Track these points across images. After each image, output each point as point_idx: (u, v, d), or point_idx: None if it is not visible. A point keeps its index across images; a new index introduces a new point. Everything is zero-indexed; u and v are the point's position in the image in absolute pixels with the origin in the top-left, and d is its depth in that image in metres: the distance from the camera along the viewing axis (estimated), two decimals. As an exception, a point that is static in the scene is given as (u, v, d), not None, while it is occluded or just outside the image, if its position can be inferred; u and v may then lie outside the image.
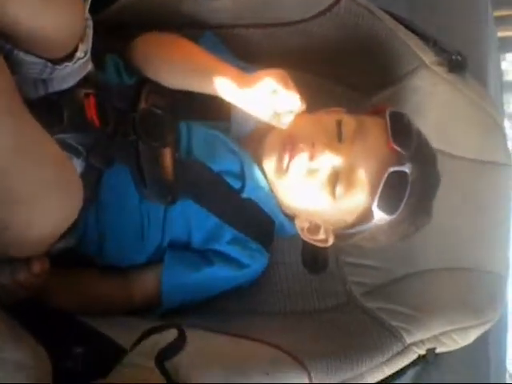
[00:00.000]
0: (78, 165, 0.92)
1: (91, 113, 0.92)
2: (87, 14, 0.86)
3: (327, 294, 1.14)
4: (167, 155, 0.98)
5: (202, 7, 1.09)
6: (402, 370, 1.04)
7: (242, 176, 1.02)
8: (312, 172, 0.99)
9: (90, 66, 0.93)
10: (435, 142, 1.07)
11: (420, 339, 1.06)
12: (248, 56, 1.11)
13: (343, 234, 1.04)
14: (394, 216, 0.97)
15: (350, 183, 0.98)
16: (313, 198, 1.00)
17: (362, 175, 0.97)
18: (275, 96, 0.92)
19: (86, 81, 0.93)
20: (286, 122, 0.96)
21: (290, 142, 0.98)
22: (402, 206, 0.97)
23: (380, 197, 0.96)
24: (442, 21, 1.33)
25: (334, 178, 0.98)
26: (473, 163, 1.16)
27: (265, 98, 0.92)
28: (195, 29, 1.10)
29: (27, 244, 0.81)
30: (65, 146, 0.89)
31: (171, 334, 0.85)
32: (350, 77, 1.19)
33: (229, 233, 1.04)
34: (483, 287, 1.13)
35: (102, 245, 0.98)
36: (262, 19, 1.13)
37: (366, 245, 1.07)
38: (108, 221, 0.97)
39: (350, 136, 0.99)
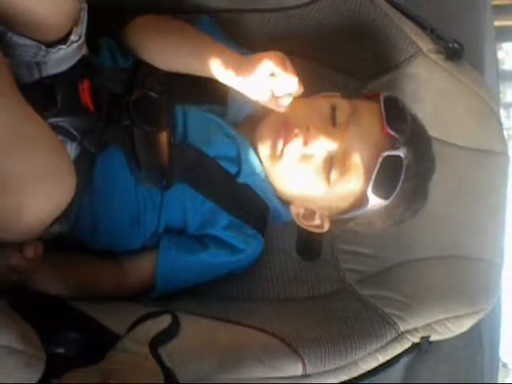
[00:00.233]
0: (72, 149, 0.92)
1: (85, 97, 0.92)
2: (82, -3, 0.86)
3: (321, 281, 1.14)
4: (162, 139, 0.97)
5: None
6: (395, 357, 1.04)
7: (238, 161, 1.02)
8: (306, 157, 0.98)
9: (84, 50, 0.92)
10: (431, 130, 1.06)
11: (414, 327, 1.06)
12: (244, 41, 1.10)
13: (339, 220, 1.04)
14: (388, 201, 0.97)
15: (344, 168, 0.98)
16: (307, 183, 1.00)
17: (357, 160, 0.97)
18: (273, 78, 0.92)
19: (80, 64, 0.92)
20: (283, 104, 0.95)
21: (284, 128, 0.98)
22: (397, 190, 0.97)
23: (375, 181, 0.96)
24: (439, 9, 1.32)
25: (329, 164, 0.98)
26: (468, 151, 1.15)
27: (263, 80, 0.92)
28: (191, 13, 1.09)
29: (19, 229, 0.81)
30: (59, 129, 0.89)
31: (165, 320, 0.85)
32: (347, 63, 1.18)
33: (224, 218, 1.04)
34: (478, 276, 1.13)
35: (95, 230, 0.98)
36: (259, 4, 1.13)
37: (361, 230, 1.07)
38: (102, 206, 0.96)
39: (345, 121, 0.98)
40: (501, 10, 2.07)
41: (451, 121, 1.16)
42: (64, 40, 0.85)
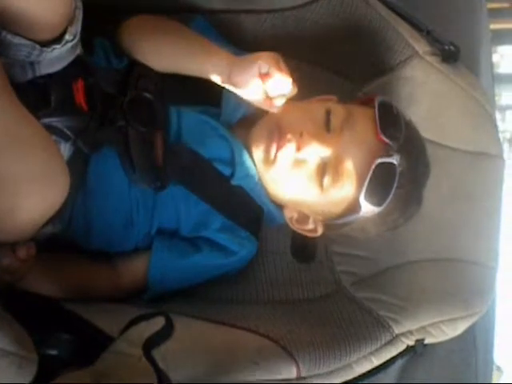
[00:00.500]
0: (66, 149, 0.91)
1: (79, 97, 0.92)
2: (77, -4, 0.85)
3: (316, 284, 1.14)
4: (157, 140, 0.97)
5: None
6: (390, 360, 1.04)
7: (232, 163, 1.02)
8: (299, 163, 0.98)
9: (78, 50, 0.92)
10: (426, 132, 1.06)
11: (408, 330, 1.06)
12: (239, 42, 1.10)
13: (332, 225, 1.04)
14: (381, 208, 0.97)
15: (337, 174, 0.97)
16: (300, 188, 1.00)
17: (350, 166, 0.97)
18: (267, 79, 0.92)
19: (74, 64, 0.92)
20: (277, 105, 0.95)
21: (277, 132, 0.98)
22: (390, 197, 0.96)
23: (367, 188, 0.96)
24: (435, 11, 1.32)
25: (322, 169, 0.98)
26: (464, 154, 1.15)
27: (257, 80, 0.92)
28: (186, 13, 1.09)
29: (12, 230, 0.81)
30: (52, 130, 0.88)
31: (159, 322, 0.85)
32: (343, 65, 1.18)
33: (218, 220, 1.03)
34: (472, 278, 1.12)
35: (89, 231, 0.97)
36: (255, 5, 1.13)
37: (355, 235, 1.06)
38: (96, 206, 0.96)
39: (339, 126, 0.98)
40: (496, 14, 2.07)
41: (447, 123, 1.15)
42: (59, 39, 0.84)
